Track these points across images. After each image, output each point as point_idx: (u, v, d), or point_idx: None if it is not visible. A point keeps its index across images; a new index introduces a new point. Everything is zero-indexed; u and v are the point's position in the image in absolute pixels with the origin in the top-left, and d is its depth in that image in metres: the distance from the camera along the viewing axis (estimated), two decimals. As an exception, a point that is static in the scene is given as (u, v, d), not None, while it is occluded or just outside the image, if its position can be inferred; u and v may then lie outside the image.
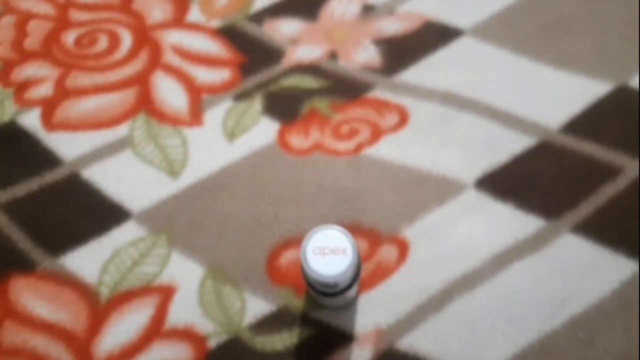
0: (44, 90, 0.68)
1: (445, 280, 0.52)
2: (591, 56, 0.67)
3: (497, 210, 0.56)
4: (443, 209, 0.56)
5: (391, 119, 0.63)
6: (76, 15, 0.77)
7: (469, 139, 0.61)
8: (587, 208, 0.55)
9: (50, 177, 0.61)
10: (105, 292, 0.53)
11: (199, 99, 0.67)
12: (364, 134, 0.62)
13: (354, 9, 0.75)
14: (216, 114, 0.65)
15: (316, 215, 0.57)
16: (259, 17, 0.75)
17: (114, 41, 0.73)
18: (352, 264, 0.42)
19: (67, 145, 0.63)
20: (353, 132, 0.62)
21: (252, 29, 0.74)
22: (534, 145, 0.60)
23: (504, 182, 0.58)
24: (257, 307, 0.53)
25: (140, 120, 0.65)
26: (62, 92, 0.68)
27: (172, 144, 0.63)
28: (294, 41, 0.72)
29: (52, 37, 0.74)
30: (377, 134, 0.62)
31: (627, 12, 0.71)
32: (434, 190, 0.58)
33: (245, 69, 0.69)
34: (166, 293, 0.53)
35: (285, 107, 0.65)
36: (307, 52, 0.70)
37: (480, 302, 0.51)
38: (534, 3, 0.73)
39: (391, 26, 0.72)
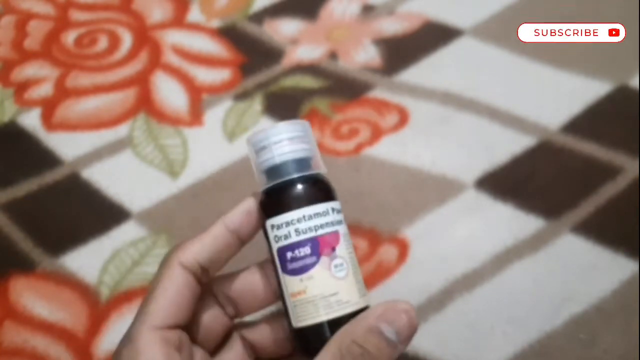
0: (44, 90, 0.68)
1: (445, 280, 0.52)
2: (591, 56, 0.67)
3: (497, 210, 0.56)
4: (443, 209, 0.56)
5: (391, 119, 0.63)
6: (76, 15, 0.77)
7: (469, 139, 0.61)
8: (587, 208, 0.55)
9: (50, 177, 0.61)
10: (105, 292, 0.53)
11: (199, 99, 0.67)
12: (364, 134, 0.62)
13: (354, 9, 0.75)
14: (216, 114, 0.65)
15: (316, 215, 0.57)
16: (259, 17, 0.75)
17: (114, 41, 0.73)
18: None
19: (67, 145, 0.63)
20: (353, 132, 0.62)
21: (252, 29, 0.74)
22: (534, 145, 0.60)
23: (504, 182, 0.58)
24: (257, 307, 0.52)
25: (140, 120, 0.65)
26: (62, 92, 0.68)
27: (172, 144, 0.63)
28: (294, 41, 0.72)
29: (52, 37, 0.74)
30: (377, 134, 0.62)
31: (627, 12, 0.71)
32: (434, 190, 0.58)
33: (245, 69, 0.69)
34: (166, 293, 0.53)
35: (285, 107, 0.65)
36: (307, 52, 0.70)
37: (480, 302, 0.51)
38: (534, 3, 0.73)
39: (391, 26, 0.73)
